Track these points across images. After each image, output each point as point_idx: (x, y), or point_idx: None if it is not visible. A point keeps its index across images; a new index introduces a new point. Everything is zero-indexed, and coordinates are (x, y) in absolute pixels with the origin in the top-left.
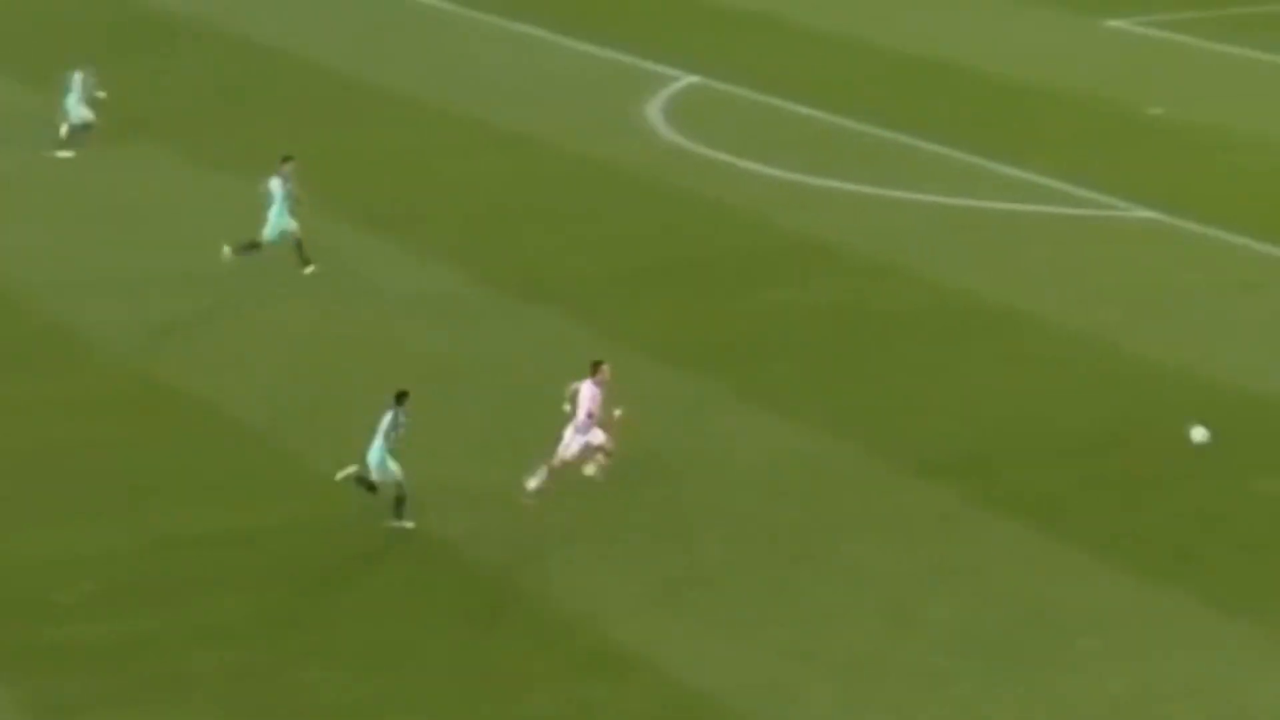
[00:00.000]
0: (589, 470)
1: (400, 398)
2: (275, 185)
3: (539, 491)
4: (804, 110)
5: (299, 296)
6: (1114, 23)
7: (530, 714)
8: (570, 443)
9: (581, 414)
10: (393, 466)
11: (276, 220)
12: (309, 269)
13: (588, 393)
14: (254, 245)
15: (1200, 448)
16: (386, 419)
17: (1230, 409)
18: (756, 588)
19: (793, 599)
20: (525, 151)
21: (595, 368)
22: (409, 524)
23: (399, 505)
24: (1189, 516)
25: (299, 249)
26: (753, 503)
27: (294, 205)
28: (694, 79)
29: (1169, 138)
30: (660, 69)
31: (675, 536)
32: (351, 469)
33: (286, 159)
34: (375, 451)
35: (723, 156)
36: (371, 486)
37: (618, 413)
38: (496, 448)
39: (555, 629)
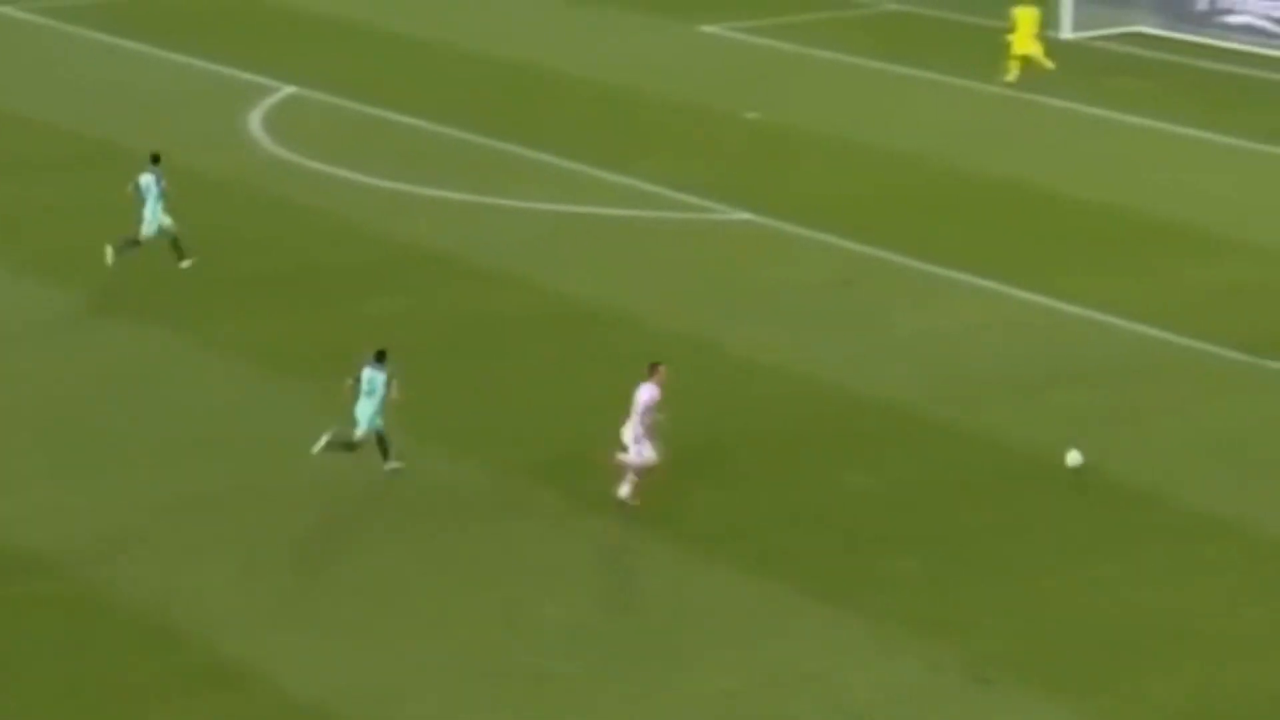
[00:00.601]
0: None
1: (380, 356)
2: (148, 182)
3: (634, 494)
4: (406, 120)
5: None
6: (709, 28)
7: None
8: (635, 444)
9: (637, 416)
10: (379, 422)
11: (152, 218)
12: (185, 263)
13: (646, 395)
14: (134, 243)
15: (1076, 470)
16: (372, 377)
17: (824, 404)
18: (369, 595)
19: (405, 604)
20: (125, 164)
21: (653, 369)
22: (400, 464)
23: (385, 450)
24: (787, 511)
25: (175, 245)
26: (364, 510)
27: (167, 203)
28: (293, 90)
29: (765, 141)
30: (259, 80)
31: (288, 548)
32: (325, 438)
33: (156, 158)
34: (367, 409)
35: (326, 167)
36: (351, 446)
37: (659, 417)
38: (101, 464)
39: (163, 643)
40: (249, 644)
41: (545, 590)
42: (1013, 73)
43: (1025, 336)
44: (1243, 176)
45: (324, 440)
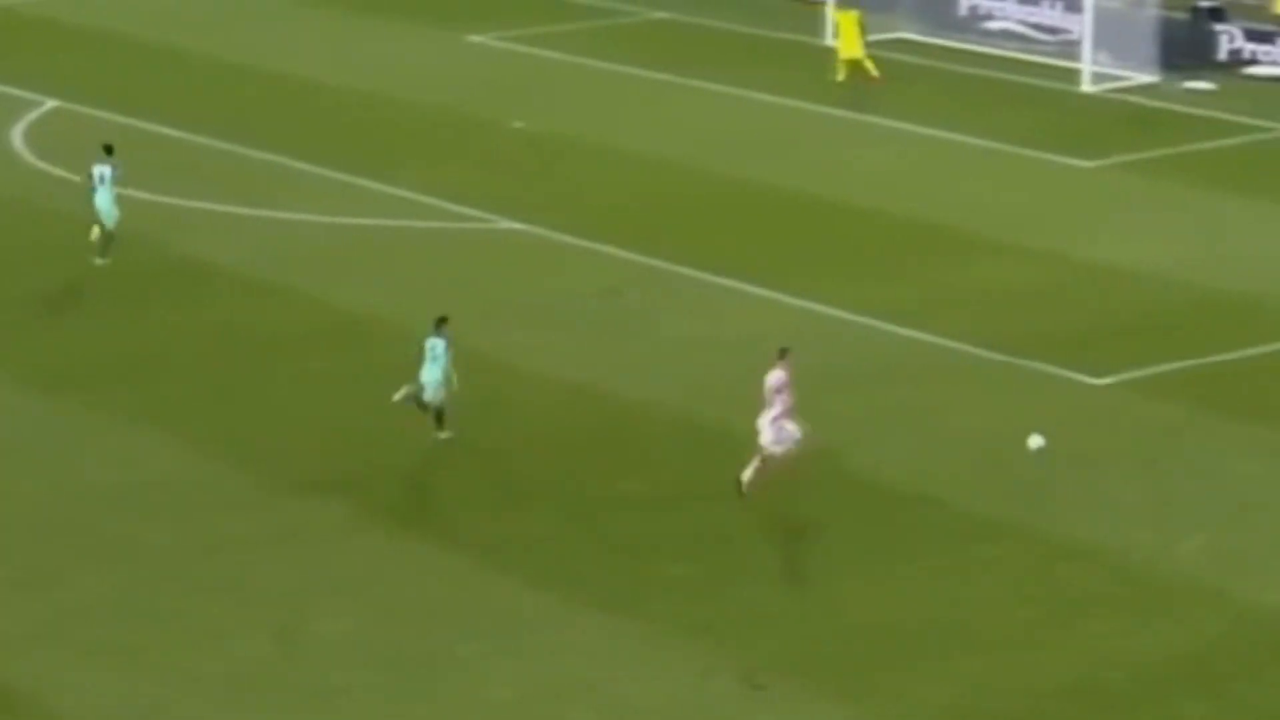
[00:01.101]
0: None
1: (439, 323)
2: (102, 173)
3: (751, 483)
4: (171, 132)
5: None
6: (476, 37)
7: None
8: (769, 431)
9: (779, 405)
10: (444, 387)
11: (110, 209)
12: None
13: (780, 380)
14: (111, 237)
15: (1039, 452)
16: (434, 344)
17: (596, 413)
18: (139, 613)
19: (177, 621)
20: None
21: (783, 354)
22: (449, 434)
23: (439, 418)
24: (562, 519)
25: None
26: (130, 527)
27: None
28: (56, 103)
29: (533, 150)
30: (21, 94)
31: (49, 568)
32: (404, 390)
33: (109, 149)
34: (432, 372)
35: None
36: (424, 406)
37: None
38: None
39: None
40: (13, 666)
41: (322, 604)
42: (841, 73)
43: (795, 342)
44: (1001, 179)
45: (403, 391)
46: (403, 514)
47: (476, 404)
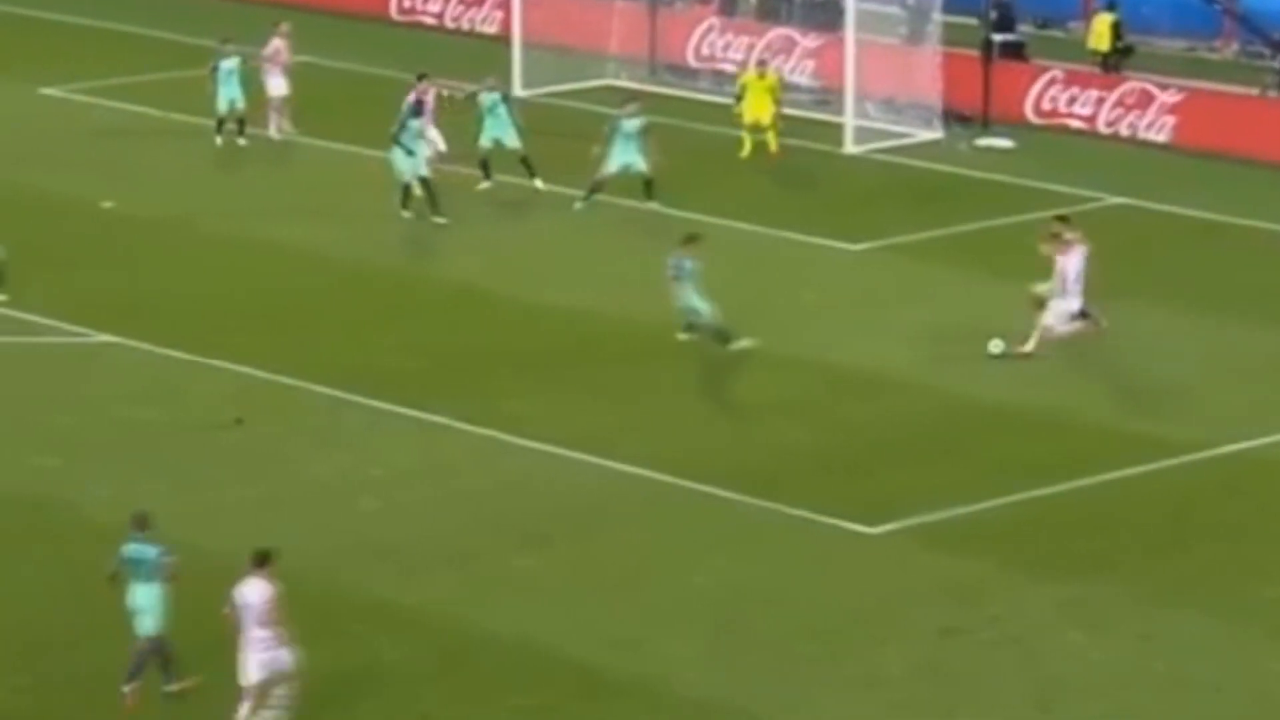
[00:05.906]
0: None
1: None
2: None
3: None
4: None
5: None
6: (51, 90)
7: None
8: None
9: None
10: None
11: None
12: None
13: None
14: None
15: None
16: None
17: (220, 579)
18: None
19: None
20: None
21: None
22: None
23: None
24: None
25: None
26: None
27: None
28: None
29: (126, 238)
30: None
31: None
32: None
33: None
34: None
35: None
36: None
37: None
38: None
39: None
40: None
41: None
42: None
43: (465, 480)
44: (742, 265)
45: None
46: None
47: (54, 571)
